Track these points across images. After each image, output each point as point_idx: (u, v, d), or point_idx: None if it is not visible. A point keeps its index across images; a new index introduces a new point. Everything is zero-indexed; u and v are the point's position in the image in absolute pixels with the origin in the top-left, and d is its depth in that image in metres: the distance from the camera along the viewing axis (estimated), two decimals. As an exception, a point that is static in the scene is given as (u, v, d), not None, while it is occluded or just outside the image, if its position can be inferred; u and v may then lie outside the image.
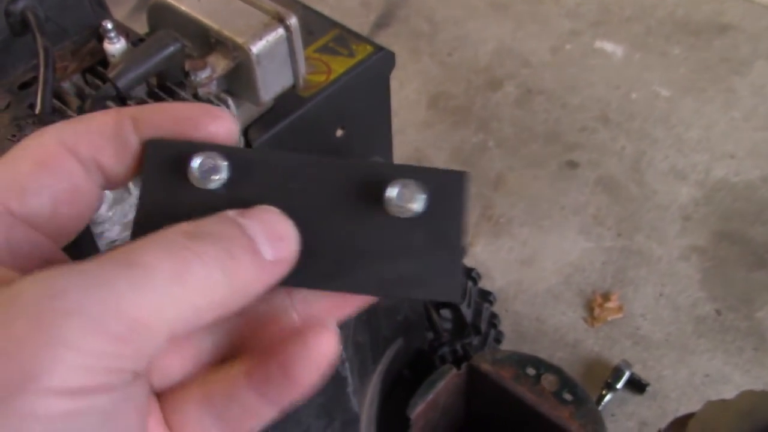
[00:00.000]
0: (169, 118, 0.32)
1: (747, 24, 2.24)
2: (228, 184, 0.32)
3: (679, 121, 2.03)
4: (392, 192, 0.31)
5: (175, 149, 0.32)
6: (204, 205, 0.31)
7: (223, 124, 0.33)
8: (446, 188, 0.32)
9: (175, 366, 0.32)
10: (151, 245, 0.27)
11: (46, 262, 0.31)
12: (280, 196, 0.32)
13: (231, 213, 0.30)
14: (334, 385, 0.85)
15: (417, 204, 0.31)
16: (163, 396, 0.32)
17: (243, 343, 0.33)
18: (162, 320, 0.26)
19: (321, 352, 0.30)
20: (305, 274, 0.32)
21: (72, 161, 0.31)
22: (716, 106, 2.05)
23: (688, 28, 2.25)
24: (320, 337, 0.30)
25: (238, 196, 0.32)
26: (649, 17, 2.29)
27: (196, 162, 0.32)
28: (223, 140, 0.33)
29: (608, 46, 2.23)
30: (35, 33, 0.75)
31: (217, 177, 0.32)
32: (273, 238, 0.30)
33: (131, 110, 0.33)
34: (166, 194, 0.32)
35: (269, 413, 0.32)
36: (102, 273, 0.26)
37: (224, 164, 0.32)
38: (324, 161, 0.33)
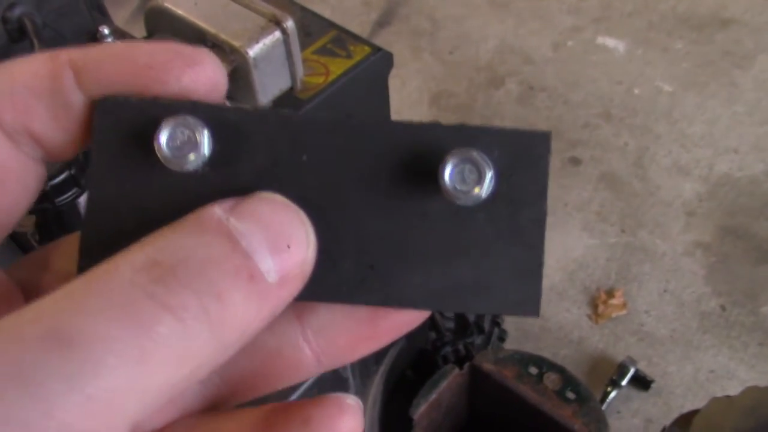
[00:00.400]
0: (127, 66, 0.23)
1: (749, 18, 2.23)
2: (213, 161, 0.23)
3: (681, 116, 2.02)
4: (447, 171, 0.23)
5: (137, 111, 0.23)
6: (180, 193, 0.23)
7: (203, 72, 0.23)
8: (522, 157, 0.23)
9: (151, 419, 0.24)
10: (95, 299, 0.19)
11: None
12: (286, 175, 0.23)
13: (218, 210, 0.22)
14: (335, 386, 0.85)
15: (483, 187, 0.23)
16: None
17: (241, 379, 0.26)
18: (119, 420, 0.18)
19: None
20: (324, 284, 0.23)
21: None
22: (719, 101, 2.04)
23: (691, 22, 2.24)
24: (334, 421, 0.23)
25: (227, 178, 0.23)
26: (651, 12, 2.28)
27: (163, 135, 0.22)
28: (203, 96, 0.24)
29: (610, 42, 2.22)
30: (32, 39, 0.75)
31: (193, 154, 0.23)
32: (279, 245, 0.21)
33: (73, 54, 0.24)
34: (127, 180, 0.23)
35: None
36: (19, 364, 0.17)
37: (204, 134, 0.23)
38: (349, 123, 0.24)
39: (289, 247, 0.22)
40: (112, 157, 0.24)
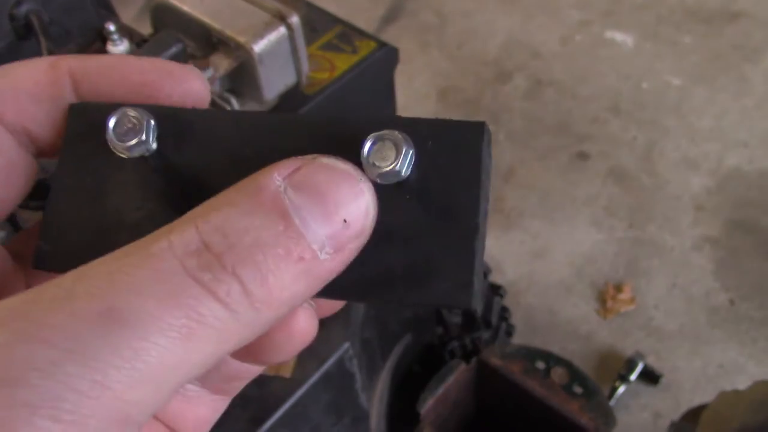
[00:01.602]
0: (121, 82, 0.26)
1: (759, 11, 2.22)
2: (160, 151, 0.25)
3: (690, 110, 2.01)
4: (366, 147, 0.23)
5: (100, 111, 0.25)
6: (130, 180, 0.25)
7: (190, 89, 0.26)
8: (455, 146, 0.23)
9: None
10: (145, 280, 0.20)
11: None
12: (228, 164, 0.25)
13: (277, 178, 0.22)
14: (342, 382, 0.85)
15: (400, 163, 0.23)
16: None
17: None
18: (163, 389, 0.20)
19: (290, 339, 0.25)
20: None
21: (1, 131, 0.26)
22: (728, 95, 2.03)
23: (699, 15, 2.23)
24: (287, 323, 0.25)
25: (173, 166, 0.25)
26: (659, 5, 2.27)
27: (111, 122, 0.24)
28: (194, 103, 0.26)
29: (618, 36, 2.21)
30: (39, 36, 0.75)
31: (136, 139, 0.24)
32: (335, 221, 0.22)
33: (72, 62, 0.26)
34: (86, 169, 0.26)
35: (253, 372, 0.27)
36: (75, 339, 0.19)
37: (148, 121, 0.24)
38: (287, 119, 0.25)
39: (345, 221, 0.22)
40: (76, 150, 0.26)
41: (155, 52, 0.75)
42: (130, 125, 0.24)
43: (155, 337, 0.19)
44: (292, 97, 0.85)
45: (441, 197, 0.23)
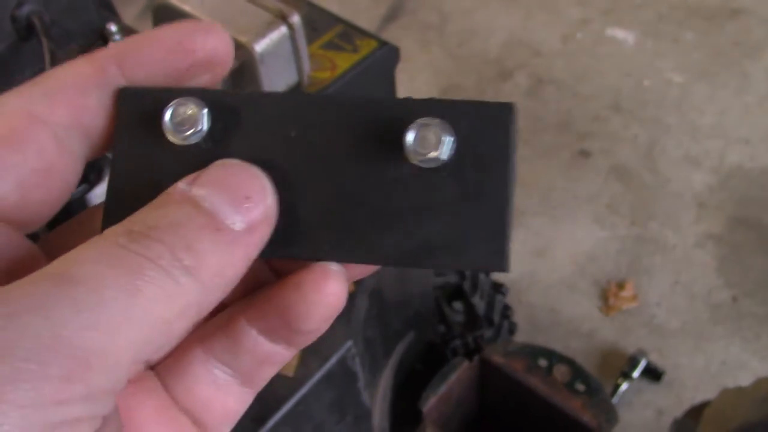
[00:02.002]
0: (160, 46, 0.27)
1: (759, 7, 2.21)
2: (212, 136, 0.27)
3: (692, 107, 2.01)
4: (410, 136, 0.25)
5: (152, 98, 0.27)
6: (185, 165, 0.26)
7: (219, 38, 0.27)
8: (487, 126, 0.26)
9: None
10: (90, 253, 0.22)
11: (7, 259, 0.26)
12: (277, 146, 0.27)
13: (181, 185, 0.25)
14: (344, 380, 0.86)
15: (442, 150, 0.25)
16: (160, 368, 0.28)
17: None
18: (121, 344, 0.21)
19: (324, 301, 0.26)
20: (307, 243, 0.26)
21: (43, 133, 0.26)
22: (730, 91, 2.03)
23: (701, 12, 2.23)
24: (321, 284, 0.26)
25: (224, 151, 0.27)
26: (660, 3, 2.27)
27: (168, 113, 0.26)
28: (223, 57, 0.28)
29: (619, 34, 2.21)
30: (41, 37, 0.76)
31: (192, 130, 0.26)
32: (238, 200, 0.25)
33: (113, 51, 0.27)
34: (142, 155, 0.27)
35: (283, 357, 0.28)
36: (33, 296, 0.21)
37: (203, 112, 0.27)
38: (331, 100, 0.27)
39: (248, 198, 0.25)
40: (130, 136, 0.27)
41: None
42: (185, 116, 0.26)
43: (105, 291, 0.21)
44: (293, 96, 0.86)
45: (475, 173, 0.26)
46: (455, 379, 1.04)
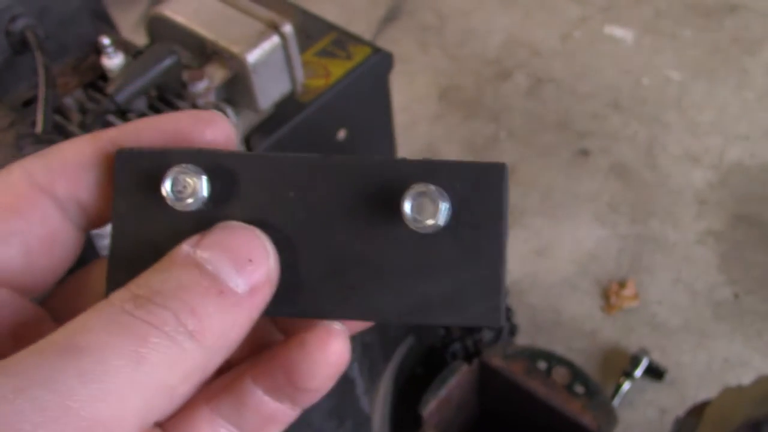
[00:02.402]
0: (157, 134, 0.28)
1: (757, 2, 2.21)
2: (212, 199, 0.27)
3: (691, 104, 2.01)
4: (407, 206, 0.26)
5: (150, 161, 0.28)
6: (186, 228, 0.27)
7: (219, 129, 0.28)
8: (480, 187, 0.27)
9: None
10: (96, 322, 0.23)
11: (13, 323, 0.27)
12: (276, 207, 0.27)
13: (185, 247, 0.26)
14: (343, 386, 0.86)
15: (439, 217, 0.26)
16: (167, 425, 0.28)
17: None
18: (128, 413, 0.22)
19: (327, 360, 0.27)
20: (311, 303, 0.27)
21: (46, 203, 0.27)
22: (729, 88, 2.03)
23: (699, 9, 2.23)
24: (325, 343, 0.27)
25: (225, 212, 0.27)
26: None
27: (167, 182, 0.27)
28: (223, 145, 0.29)
29: (618, 31, 2.21)
30: (35, 51, 0.76)
31: (192, 198, 0.27)
32: (241, 262, 0.25)
33: (111, 133, 0.28)
34: (143, 218, 0.28)
35: (287, 416, 0.28)
36: (40, 367, 0.21)
37: (202, 180, 0.27)
38: (328, 162, 0.27)
39: (251, 261, 0.25)
40: (129, 199, 0.28)
41: (149, 65, 0.75)
42: (185, 183, 0.27)
43: (111, 360, 0.22)
44: (287, 105, 0.86)
45: (470, 233, 0.27)
46: (455, 383, 1.05)
